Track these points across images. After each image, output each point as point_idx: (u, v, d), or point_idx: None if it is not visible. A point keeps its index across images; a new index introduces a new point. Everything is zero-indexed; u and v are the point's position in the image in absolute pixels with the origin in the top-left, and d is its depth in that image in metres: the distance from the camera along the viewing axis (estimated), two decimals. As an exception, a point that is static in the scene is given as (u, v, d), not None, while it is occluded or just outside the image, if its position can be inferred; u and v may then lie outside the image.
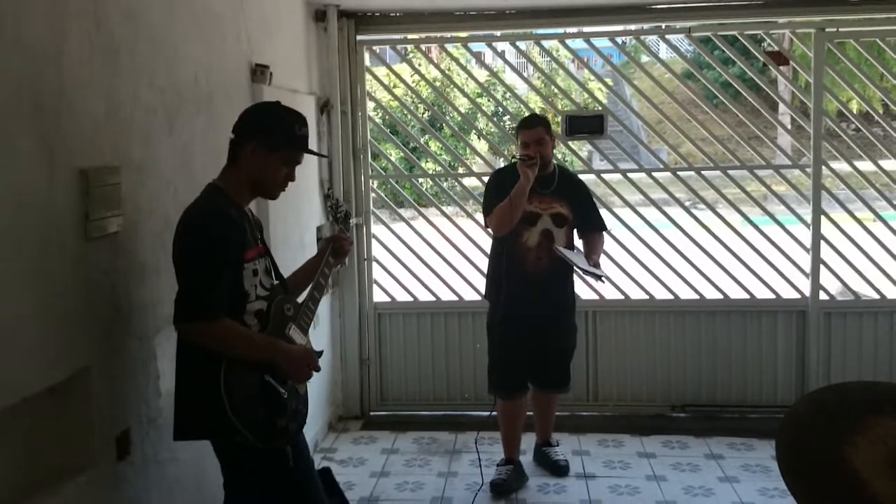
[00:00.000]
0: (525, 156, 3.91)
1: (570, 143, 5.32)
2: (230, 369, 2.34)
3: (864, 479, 1.55)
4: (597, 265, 4.10)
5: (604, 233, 4.26)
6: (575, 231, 4.17)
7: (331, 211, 2.95)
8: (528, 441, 4.38)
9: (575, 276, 4.22)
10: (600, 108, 5.37)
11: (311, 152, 2.63)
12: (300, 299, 2.68)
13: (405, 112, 8.70)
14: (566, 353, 4.23)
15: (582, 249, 4.20)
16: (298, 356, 2.51)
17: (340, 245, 2.80)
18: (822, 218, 4.88)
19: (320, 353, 2.71)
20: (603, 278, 4.19)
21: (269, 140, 2.47)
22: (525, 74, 5.70)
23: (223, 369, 2.32)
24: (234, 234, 2.41)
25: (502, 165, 4.39)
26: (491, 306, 4.17)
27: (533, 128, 4.02)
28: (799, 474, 1.66)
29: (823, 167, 4.89)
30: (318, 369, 2.57)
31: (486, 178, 5.25)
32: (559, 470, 4.28)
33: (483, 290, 4.31)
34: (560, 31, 6.06)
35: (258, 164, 2.47)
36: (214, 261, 2.36)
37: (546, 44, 5.52)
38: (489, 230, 4.19)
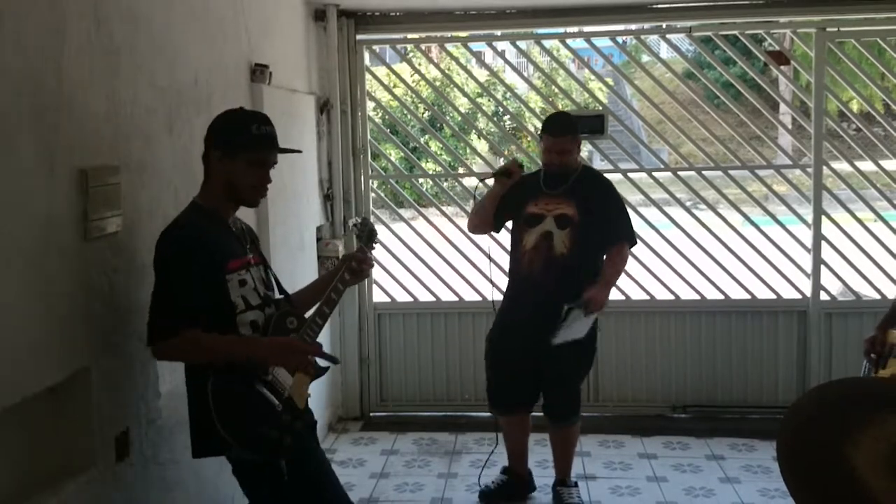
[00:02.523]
0: (505, 170, 3.78)
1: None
2: (217, 381, 2.32)
3: (860, 476, 1.54)
4: (592, 302, 3.60)
5: (625, 248, 3.80)
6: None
7: (355, 229, 2.87)
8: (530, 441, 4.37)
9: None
10: (601, 108, 5.37)
11: (277, 150, 2.54)
12: (308, 314, 2.64)
13: (405, 112, 8.68)
14: (566, 379, 3.83)
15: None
16: (278, 345, 2.42)
17: (361, 267, 2.74)
18: (823, 218, 4.88)
19: (325, 370, 2.64)
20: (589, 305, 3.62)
21: (228, 145, 2.45)
22: (525, 74, 5.70)
23: (210, 381, 2.31)
24: (204, 249, 2.38)
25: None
26: (497, 314, 3.98)
27: (559, 136, 3.72)
28: (798, 467, 1.65)
29: (824, 167, 4.89)
30: (308, 358, 2.44)
31: (486, 179, 5.26)
32: None
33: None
34: (560, 30, 6.06)
35: (224, 171, 2.45)
36: (173, 279, 2.35)
37: (546, 43, 5.53)
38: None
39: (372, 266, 2.83)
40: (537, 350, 3.71)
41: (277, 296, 2.64)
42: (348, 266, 2.72)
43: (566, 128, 3.77)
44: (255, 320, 2.46)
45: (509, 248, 3.97)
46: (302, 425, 2.49)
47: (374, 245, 2.88)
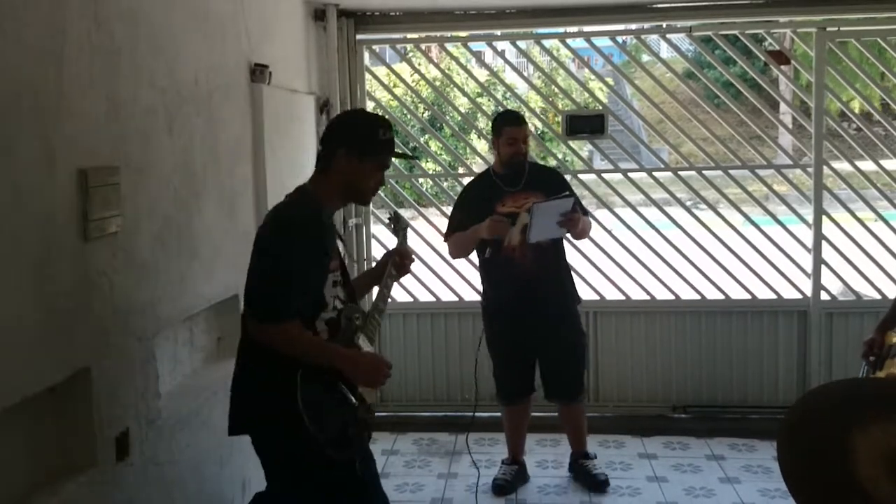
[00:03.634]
0: (504, 216, 3.83)
1: (570, 142, 5.31)
2: (306, 378, 2.34)
3: (857, 462, 1.54)
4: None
5: (588, 217, 4.11)
6: None
7: (390, 224, 2.95)
8: (530, 442, 4.37)
9: (573, 274, 4.17)
10: (601, 108, 5.36)
11: (399, 155, 2.71)
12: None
13: (405, 112, 8.68)
14: (571, 360, 4.07)
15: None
16: (365, 362, 2.50)
17: (403, 262, 2.80)
18: (824, 218, 4.87)
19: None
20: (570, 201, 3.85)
21: (358, 147, 2.51)
22: (525, 74, 5.69)
23: (300, 378, 2.32)
24: (321, 241, 2.45)
25: (479, 174, 4.31)
26: (487, 313, 4.13)
27: (521, 125, 3.99)
28: (797, 448, 1.64)
29: (825, 167, 4.89)
30: (389, 374, 2.54)
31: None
32: (598, 486, 4.09)
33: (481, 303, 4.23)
34: (560, 30, 6.05)
35: (350, 170, 2.51)
36: (294, 266, 2.37)
37: (546, 43, 5.52)
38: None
39: (413, 260, 2.87)
40: (540, 338, 3.97)
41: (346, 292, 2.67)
42: (393, 262, 2.77)
43: (522, 119, 4.05)
44: (332, 318, 2.51)
45: (484, 251, 4.01)
46: (373, 420, 2.61)
47: (405, 236, 2.91)
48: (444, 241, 4.17)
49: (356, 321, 2.57)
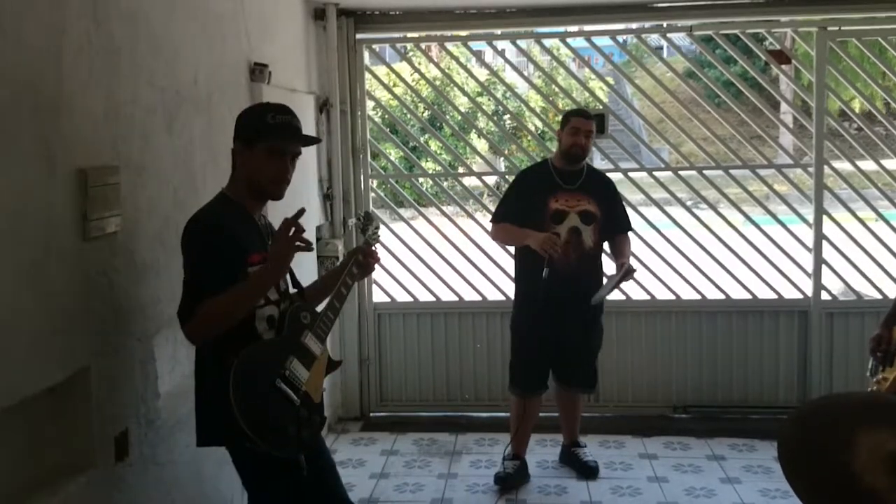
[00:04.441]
0: (560, 246, 3.87)
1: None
2: (240, 374, 2.30)
3: (856, 458, 1.53)
4: (622, 266, 3.99)
5: (629, 233, 4.23)
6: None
7: (359, 223, 2.91)
8: (530, 442, 4.37)
9: (604, 277, 4.22)
10: (601, 107, 5.36)
11: (296, 139, 2.53)
12: (318, 308, 2.65)
13: (405, 111, 8.68)
14: (593, 353, 4.24)
15: (609, 273, 4.17)
16: (274, 257, 2.39)
17: (367, 261, 2.77)
18: (824, 217, 4.87)
19: (338, 364, 2.71)
20: (630, 272, 4.01)
21: (246, 134, 2.46)
22: (526, 73, 5.68)
23: (233, 374, 2.28)
24: (231, 239, 2.38)
25: (536, 162, 4.43)
26: (517, 305, 4.17)
27: (588, 118, 4.09)
28: (797, 442, 1.64)
29: (825, 166, 4.89)
30: (297, 237, 2.40)
31: (486, 178, 5.26)
32: (589, 472, 4.25)
33: (510, 294, 4.33)
34: (561, 29, 6.05)
35: (245, 162, 2.46)
36: (196, 266, 2.37)
37: (547, 42, 5.52)
38: (490, 232, 4.28)
39: (378, 259, 2.84)
40: (568, 333, 4.05)
41: (291, 289, 2.64)
42: (355, 260, 2.74)
43: (589, 114, 4.16)
44: (272, 315, 2.46)
45: (541, 268, 3.98)
46: (319, 420, 2.54)
47: (377, 238, 2.89)
48: (491, 222, 4.22)
49: (304, 319, 2.52)
